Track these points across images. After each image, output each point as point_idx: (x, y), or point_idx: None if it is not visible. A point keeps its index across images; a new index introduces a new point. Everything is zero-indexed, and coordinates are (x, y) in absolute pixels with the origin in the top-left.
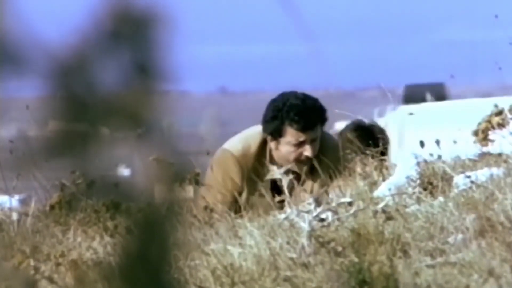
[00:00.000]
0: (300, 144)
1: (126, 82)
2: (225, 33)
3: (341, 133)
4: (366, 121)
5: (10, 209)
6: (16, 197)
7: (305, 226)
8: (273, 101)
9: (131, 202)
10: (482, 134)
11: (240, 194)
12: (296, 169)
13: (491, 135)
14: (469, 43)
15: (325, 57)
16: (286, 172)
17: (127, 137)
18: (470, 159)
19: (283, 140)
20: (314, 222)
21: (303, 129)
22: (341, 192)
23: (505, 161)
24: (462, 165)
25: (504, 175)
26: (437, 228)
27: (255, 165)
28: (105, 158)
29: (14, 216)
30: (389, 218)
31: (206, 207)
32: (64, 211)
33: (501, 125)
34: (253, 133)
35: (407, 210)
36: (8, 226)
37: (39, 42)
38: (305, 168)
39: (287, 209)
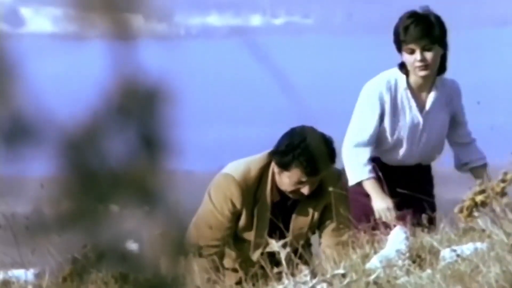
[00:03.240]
0: (300, 183)
1: (134, 158)
2: (226, 116)
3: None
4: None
5: (26, 282)
6: (31, 270)
7: None
8: (291, 133)
9: (138, 274)
10: (467, 211)
11: (238, 217)
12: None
13: (475, 212)
14: None
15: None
16: (284, 245)
17: (135, 212)
18: (456, 234)
19: (287, 173)
20: None
21: (309, 174)
22: (335, 263)
23: (489, 236)
24: (448, 239)
25: (487, 249)
26: None
27: (255, 189)
28: (114, 233)
29: None
30: None
31: (208, 279)
32: (75, 283)
33: (485, 203)
34: (254, 158)
35: (398, 281)
36: None
37: (52, 119)
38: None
39: (285, 280)
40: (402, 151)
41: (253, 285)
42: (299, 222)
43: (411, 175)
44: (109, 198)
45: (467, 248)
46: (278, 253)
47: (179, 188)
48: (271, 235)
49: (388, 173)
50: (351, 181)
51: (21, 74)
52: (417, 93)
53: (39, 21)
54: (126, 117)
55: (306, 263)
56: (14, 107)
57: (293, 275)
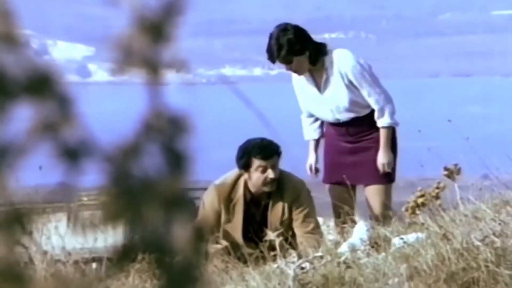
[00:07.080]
0: (264, 170)
1: (164, 171)
2: (232, 141)
3: None
4: None
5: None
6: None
7: (291, 272)
8: (241, 146)
9: (171, 255)
10: (411, 210)
11: (219, 216)
12: (267, 189)
13: (417, 211)
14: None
15: (295, 158)
16: (278, 235)
17: (168, 211)
18: (403, 227)
19: (252, 169)
20: (297, 270)
21: (264, 158)
22: (315, 248)
23: (427, 228)
24: (398, 231)
25: (426, 237)
26: (381, 274)
27: (229, 193)
28: (154, 226)
29: (94, 266)
30: (348, 267)
31: (222, 260)
32: (127, 261)
33: (424, 204)
34: (233, 171)
35: (361, 261)
36: (89, 273)
37: (105, 143)
38: (274, 193)
39: (278, 261)
40: (322, 116)
41: (255, 264)
42: (273, 218)
43: (351, 125)
44: (149, 201)
45: (411, 237)
46: (274, 240)
47: (195, 193)
48: (253, 228)
49: (336, 127)
50: (305, 138)
51: (85, 111)
52: (316, 76)
53: (101, 73)
54: (159, 141)
55: (293, 248)
56: (77, 134)
57: (284, 257)
